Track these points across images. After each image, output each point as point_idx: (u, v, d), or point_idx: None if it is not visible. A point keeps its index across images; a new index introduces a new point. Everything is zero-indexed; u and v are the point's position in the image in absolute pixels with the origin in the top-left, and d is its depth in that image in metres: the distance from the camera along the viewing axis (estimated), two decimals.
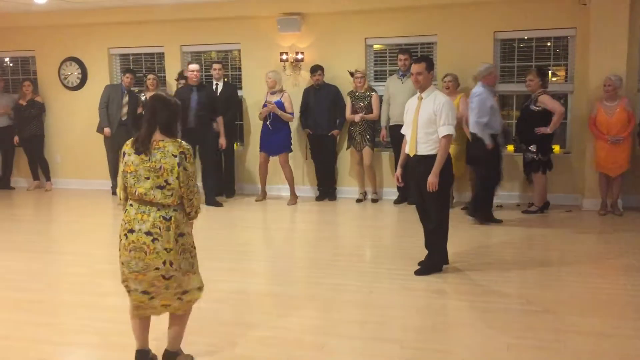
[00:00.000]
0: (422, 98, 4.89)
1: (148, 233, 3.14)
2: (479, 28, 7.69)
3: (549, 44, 7.76)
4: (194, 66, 7.85)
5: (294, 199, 8.12)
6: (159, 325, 3.50)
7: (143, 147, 3.15)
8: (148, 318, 3.38)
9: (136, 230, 3.16)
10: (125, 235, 3.19)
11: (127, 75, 8.74)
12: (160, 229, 3.14)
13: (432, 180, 4.76)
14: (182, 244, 3.23)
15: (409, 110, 5.03)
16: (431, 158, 4.80)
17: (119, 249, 3.25)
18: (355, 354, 3.63)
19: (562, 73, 7.76)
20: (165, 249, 3.15)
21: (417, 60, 4.98)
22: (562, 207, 7.38)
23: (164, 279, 3.19)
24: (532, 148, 6.98)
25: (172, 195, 3.16)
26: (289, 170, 8.11)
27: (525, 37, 7.79)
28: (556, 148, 7.47)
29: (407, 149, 5.00)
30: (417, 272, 4.98)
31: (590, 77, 7.18)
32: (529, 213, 7.13)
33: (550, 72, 7.76)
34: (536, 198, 7.19)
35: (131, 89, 8.78)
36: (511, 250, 5.82)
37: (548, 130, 6.83)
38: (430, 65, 4.88)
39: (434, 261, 5.04)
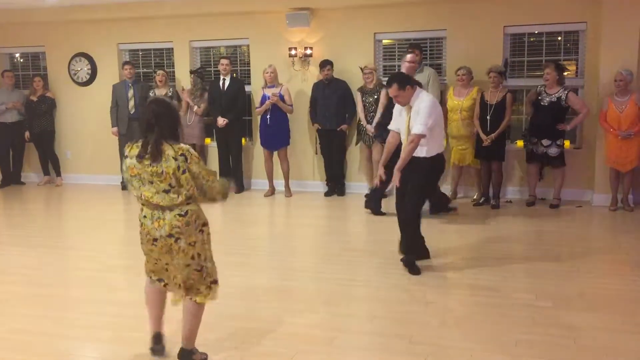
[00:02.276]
0: (410, 107, 4.88)
1: (169, 235, 3.17)
2: (489, 22, 7.65)
3: (559, 38, 7.71)
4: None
5: (289, 192, 8.28)
6: (173, 317, 3.53)
7: (154, 153, 3.10)
8: (162, 301, 3.44)
9: (158, 237, 3.19)
10: (153, 244, 3.23)
11: (125, 67, 8.76)
12: (179, 227, 3.16)
13: (395, 174, 4.77)
14: (208, 233, 3.29)
15: (402, 114, 5.00)
16: (420, 159, 4.83)
17: (147, 259, 3.35)
18: (364, 348, 3.65)
19: (572, 67, 7.70)
20: (190, 244, 3.19)
21: (387, 84, 4.88)
22: (573, 202, 7.35)
23: (197, 272, 3.25)
24: (560, 142, 7.09)
25: (178, 197, 3.14)
26: (287, 165, 8.26)
27: (536, 32, 7.73)
28: (566, 143, 7.44)
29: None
30: (411, 272, 4.91)
31: (601, 72, 7.13)
32: (553, 207, 7.16)
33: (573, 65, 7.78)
34: (558, 192, 7.24)
35: (135, 79, 8.84)
36: (521, 245, 5.81)
37: (568, 127, 7.02)
38: (401, 83, 4.79)
39: (415, 254, 5.01)
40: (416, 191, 4.89)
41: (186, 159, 3.13)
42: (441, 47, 8.02)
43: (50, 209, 8.47)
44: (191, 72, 8.52)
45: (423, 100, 4.80)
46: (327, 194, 8.26)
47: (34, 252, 5.88)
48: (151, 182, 3.14)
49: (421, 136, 4.74)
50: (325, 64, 7.95)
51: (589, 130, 7.43)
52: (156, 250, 3.25)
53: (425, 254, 5.17)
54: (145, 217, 3.23)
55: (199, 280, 3.28)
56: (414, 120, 4.79)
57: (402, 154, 4.81)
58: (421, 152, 4.84)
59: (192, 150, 3.19)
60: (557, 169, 7.21)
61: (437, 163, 4.94)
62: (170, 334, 3.55)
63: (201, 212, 3.27)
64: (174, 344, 3.47)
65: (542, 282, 4.67)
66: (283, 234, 6.86)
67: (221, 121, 8.21)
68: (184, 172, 3.12)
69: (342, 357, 3.53)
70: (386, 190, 6.57)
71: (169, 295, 3.45)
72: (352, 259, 5.37)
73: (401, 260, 5.05)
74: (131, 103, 8.72)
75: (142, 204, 3.25)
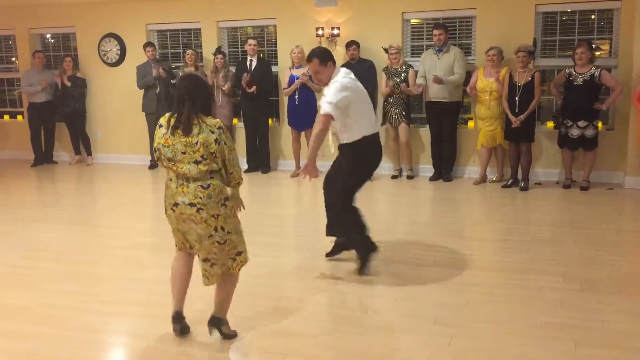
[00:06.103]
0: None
1: (191, 204, 3.24)
2: (520, 1, 7.48)
3: (592, 16, 7.52)
4: None
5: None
6: (206, 294, 3.59)
7: (186, 127, 3.19)
8: (187, 277, 3.50)
9: (180, 202, 3.26)
10: (172, 209, 3.31)
11: (148, 48, 8.82)
12: (201, 198, 3.23)
13: (308, 167, 4.33)
14: (231, 208, 3.34)
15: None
16: (342, 146, 4.45)
17: (170, 222, 3.39)
18: (388, 329, 3.66)
19: (606, 47, 7.52)
20: (213, 216, 3.26)
21: (308, 59, 4.36)
22: (604, 185, 7.22)
23: (219, 244, 3.31)
24: (596, 123, 6.95)
25: (206, 168, 3.22)
26: None
27: (568, 10, 7.56)
28: (599, 124, 7.29)
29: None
30: (360, 272, 4.50)
31: (635, 51, 6.95)
32: (583, 190, 7.04)
33: (593, 45, 7.58)
34: (588, 174, 7.11)
35: (157, 59, 8.90)
36: (549, 228, 5.73)
37: (604, 106, 6.87)
38: (324, 58, 4.28)
39: (362, 254, 4.58)
40: (344, 176, 4.48)
41: (223, 131, 3.25)
42: (470, 27, 7.89)
43: (81, 187, 8.62)
44: (216, 52, 8.50)
45: (337, 77, 4.26)
46: None
47: (65, 229, 6.01)
48: (184, 153, 3.21)
49: (328, 116, 4.17)
50: (351, 44, 7.88)
51: (622, 111, 7.26)
52: (173, 216, 3.32)
53: (367, 249, 4.59)
54: (171, 180, 3.32)
55: (223, 254, 3.34)
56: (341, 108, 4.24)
57: (310, 141, 4.35)
58: (342, 138, 4.38)
59: (224, 127, 3.30)
60: (589, 151, 7.07)
61: (363, 148, 4.37)
62: (199, 312, 3.61)
63: (224, 187, 3.33)
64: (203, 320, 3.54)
65: (570, 265, 4.62)
66: (309, 214, 6.87)
67: (250, 88, 8.17)
68: (218, 144, 3.22)
69: (366, 337, 3.54)
70: None
71: (195, 273, 3.51)
72: (378, 240, 5.36)
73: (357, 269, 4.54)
74: (156, 83, 8.77)
75: (172, 173, 3.31)
